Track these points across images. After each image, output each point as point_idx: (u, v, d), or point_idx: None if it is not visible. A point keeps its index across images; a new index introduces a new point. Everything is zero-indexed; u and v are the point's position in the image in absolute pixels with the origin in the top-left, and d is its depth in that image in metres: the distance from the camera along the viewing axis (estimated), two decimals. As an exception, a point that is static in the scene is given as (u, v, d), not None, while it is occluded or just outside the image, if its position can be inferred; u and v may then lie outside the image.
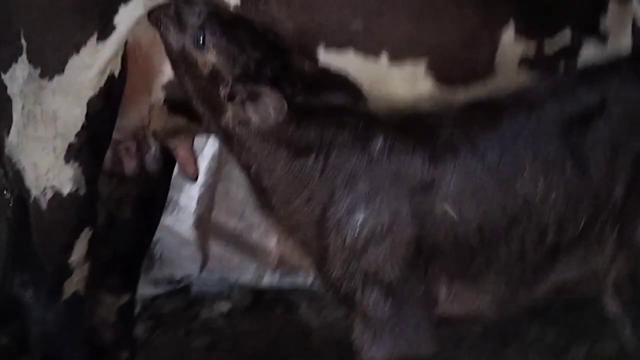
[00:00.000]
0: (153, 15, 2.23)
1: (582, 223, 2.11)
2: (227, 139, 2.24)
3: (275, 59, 2.18)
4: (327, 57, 2.27)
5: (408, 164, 2.15)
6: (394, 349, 2.13)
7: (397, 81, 2.31)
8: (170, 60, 2.27)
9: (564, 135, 2.10)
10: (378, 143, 2.16)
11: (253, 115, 2.12)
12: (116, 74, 2.30)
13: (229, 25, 2.19)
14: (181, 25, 2.18)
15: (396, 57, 2.25)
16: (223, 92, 2.15)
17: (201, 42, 2.15)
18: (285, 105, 2.12)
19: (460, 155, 2.13)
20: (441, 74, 2.28)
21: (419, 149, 2.16)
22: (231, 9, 2.20)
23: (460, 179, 2.12)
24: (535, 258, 2.13)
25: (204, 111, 2.24)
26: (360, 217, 2.13)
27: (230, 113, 2.16)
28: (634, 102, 2.10)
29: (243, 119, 2.14)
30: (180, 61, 2.21)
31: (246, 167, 2.26)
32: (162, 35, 2.23)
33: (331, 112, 2.22)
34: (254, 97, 2.11)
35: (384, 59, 2.26)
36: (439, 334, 2.20)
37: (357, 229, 2.13)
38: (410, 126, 2.21)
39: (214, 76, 2.16)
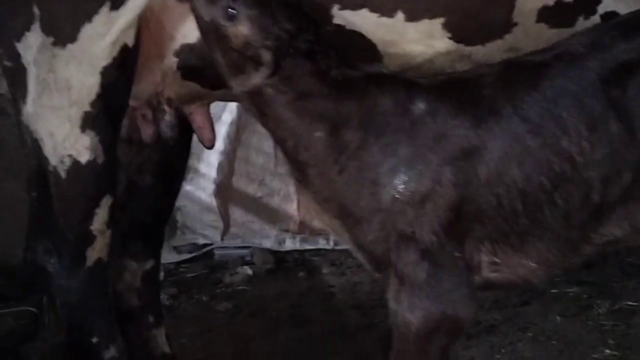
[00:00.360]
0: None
1: (627, 180, 2.07)
2: (261, 114, 2.22)
3: (308, 31, 2.15)
4: (341, 17, 2.24)
5: (450, 127, 2.12)
6: (430, 311, 2.11)
7: (413, 40, 2.28)
8: (201, 33, 2.25)
9: (606, 91, 2.06)
10: (419, 107, 2.14)
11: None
12: (130, 45, 2.29)
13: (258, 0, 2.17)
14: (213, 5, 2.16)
15: (412, 16, 2.21)
16: (254, 65, 2.12)
17: (233, 14, 2.13)
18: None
19: (503, 117, 2.10)
20: (458, 32, 2.24)
21: (461, 113, 2.13)
22: None
23: (503, 141, 2.09)
24: (580, 218, 2.10)
25: (237, 85, 2.21)
26: (400, 180, 2.11)
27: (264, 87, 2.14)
28: None
29: (277, 90, 2.13)
30: (212, 33, 2.18)
31: (281, 142, 2.24)
32: (193, 7, 2.21)
33: (368, 81, 2.20)
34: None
35: (399, 18, 2.22)
36: (478, 298, 2.18)
37: (396, 191, 2.11)
38: (451, 89, 2.18)
39: (246, 48, 2.13)
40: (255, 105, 2.21)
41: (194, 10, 2.21)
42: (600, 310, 3.77)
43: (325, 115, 2.16)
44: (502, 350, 3.50)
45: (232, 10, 2.12)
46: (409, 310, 2.13)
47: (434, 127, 2.13)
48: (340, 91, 2.17)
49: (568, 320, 3.71)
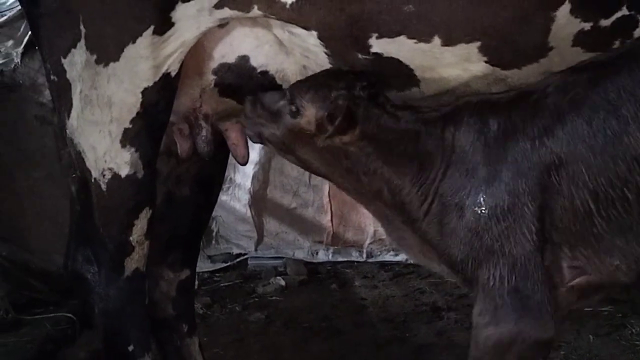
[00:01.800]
0: (249, 132, 2.43)
1: None
2: (352, 175, 2.33)
3: (360, 81, 2.27)
4: (379, 46, 2.28)
5: (520, 141, 2.18)
6: (515, 325, 2.13)
7: (450, 65, 2.30)
8: (279, 150, 2.41)
9: None
10: (491, 129, 2.22)
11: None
12: (173, 74, 2.37)
13: (307, 81, 2.32)
14: (274, 114, 2.33)
15: (449, 41, 2.24)
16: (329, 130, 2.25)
17: (295, 110, 2.28)
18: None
19: (567, 123, 2.15)
20: (494, 55, 2.26)
21: (528, 125, 2.19)
22: (287, 7, 2.25)
23: (570, 146, 2.14)
24: None
25: (328, 168, 2.36)
26: (481, 200, 2.19)
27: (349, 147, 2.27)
28: None
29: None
30: (292, 139, 2.33)
31: (377, 193, 2.35)
32: (264, 139, 2.40)
33: (440, 114, 2.30)
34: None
35: (436, 43, 2.26)
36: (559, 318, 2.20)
37: (479, 211, 2.19)
38: (517, 104, 2.24)
39: (321, 125, 2.27)
40: (351, 170, 2.32)
41: (266, 141, 2.41)
42: (634, 330, 3.73)
43: (410, 157, 2.29)
44: (534, 369, 3.47)
45: (292, 107, 2.28)
46: (492, 325, 2.16)
47: (506, 143, 2.20)
48: (418, 132, 2.28)
49: (601, 339, 3.69)
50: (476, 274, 2.20)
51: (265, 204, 5.31)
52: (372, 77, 2.32)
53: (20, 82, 4.58)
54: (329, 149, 2.30)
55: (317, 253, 5.30)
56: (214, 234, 5.27)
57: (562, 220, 2.15)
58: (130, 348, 2.57)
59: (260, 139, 2.43)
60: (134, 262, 2.52)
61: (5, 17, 4.64)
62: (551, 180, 2.15)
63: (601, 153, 2.12)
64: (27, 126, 4.63)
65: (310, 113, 2.27)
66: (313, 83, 2.30)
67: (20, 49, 4.51)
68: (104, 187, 2.42)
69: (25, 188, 4.65)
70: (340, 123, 2.22)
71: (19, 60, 4.52)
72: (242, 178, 5.23)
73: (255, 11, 2.29)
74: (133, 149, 2.39)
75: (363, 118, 2.26)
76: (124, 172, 2.40)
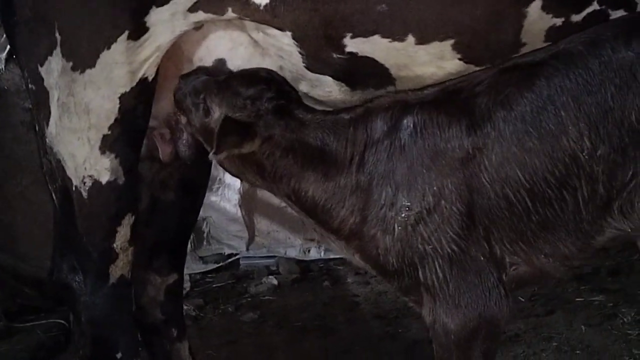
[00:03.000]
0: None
1: (630, 175, 2.09)
2: (263, 180, 2.33)
3: (268, 90, 2.26)
4: (354, 45, 2.27)
5: (445, 140, 2.15)
6: (467, 316, 2.15)
7: (424, 63, 2.29)
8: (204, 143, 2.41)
9: (605, 88, 2.08)
10: (406, 130, 2.18)
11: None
12: (150, 79, 2.36)
13: (220, 82, 2.31)
14: (193, 105, 2.34)
15: (422, 39, 2.23)
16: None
17: (206, 109, 2.30)
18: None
19: (498, 122, 2.12)
20: (468, 53, 2.25)
21: (454, 124, 2.15)
22: (261, 8, 2.24)
23: (501, 145, 2.12)
24: (589, 211, 2.13)
25: (239, 169, 2.36)
26: (404, 205, 2.16)
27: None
28: None
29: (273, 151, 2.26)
30: (204, 135, 2.35)
31: (289, 198, 2.34)
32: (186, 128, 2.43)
33: (353, 117, 2.26)
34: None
35: (410, 42, 2.25)
36: (511, 297, 2.20)
37: (403, 218, 2.16)
38: (443, 102, 2.20)
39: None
40: (255, 172, 2.32)
41: (188, 129, 2.42)
42: (625, 319, 3.73)
43: (314, 163, 2.25)
44: (527, 361, 3.49)
45: (205, 105, 2.29)
46: (447, 320, 2.17)
47: (426, 143, 2.16)
48: (325, 135, 2.25)
49: (593, 329, 3.68)
50: (415, 280, 2.19)
51: (255, 203, 5.29)
52: (284, 85, 2.33)
53: (5, 87, 4.56)
54: (239, 157, 2.29)
55: (309, 251, 5.29)
56: (205, 234, 5.25)
57: (499, 216, 2.13)
58: (119, 355, 2.57)
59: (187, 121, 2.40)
60: (118, 269, 2.51)
61: (-13, 24, 4.61)
62: (481, 180, 2.12)
63: (537, 153, 2.09)
64: (14, 132, 4.61)
65: (217, 116, 2.28)
66: (224, 85, 2.29)
67: (4, 55, 4.47)
68: (85, 194, 2.41)
69: (14, 195, 4.63)
70: (230, 140, 2.21)
71: (2, 65, 4.49)
72: (231, 178, 5.19)
73: (230, 13, 2.28)
74: (113, 155, 2.37)
75: (265, 129, 2.23)
76: (104, 178, 2.39)
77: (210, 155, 2.22)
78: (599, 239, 2.19)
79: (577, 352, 3.50)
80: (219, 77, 2.34)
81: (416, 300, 2.27)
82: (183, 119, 2.42)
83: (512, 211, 2.13)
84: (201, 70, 2.40)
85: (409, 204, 2.15)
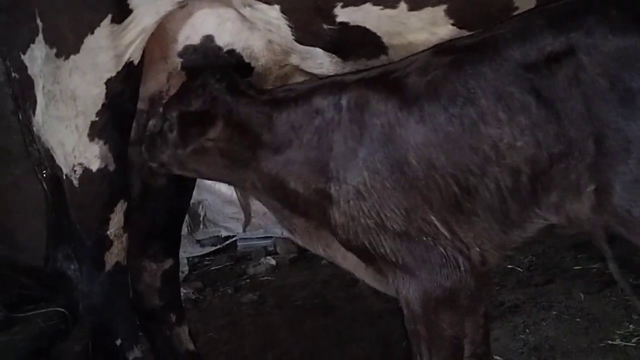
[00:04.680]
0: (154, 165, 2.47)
1: (554, 169, 2.05)
2: (232, 171, 2.36)
3: (213, 74, 2.31)
4: (345, 15, 2.24)
5: (374, 117, 2.16)
6: (422, 287, 2.16)
7: (417, 30, 2.26)
8: (182, 170, 2.45)
9: (528, 80, 2.03)
10: (344, 107, 2.20)
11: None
12: (135, 62, 2.33)
13: (174, 95, 2.39)
14: (162, 138, 2.38)
15: (415, 5, 2.20)
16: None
17: (170, 125, 2.34)
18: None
19: (424, 105, 2.11)
20: (460, 18, 2.22)
21: (382, 101, 2.16)
22: None
23: (426, 128, 2.11)
24: (516, 200, 2.10)
25: (212, 169, 2.39)
26: (345, 180, 2.17)
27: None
28: (605, 52, 1.99)
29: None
30: (175, 158, 2.39)
31: (253, 185, 2.36)
32: (166, 165, 2.45)
33: (297, 96, 2.28)
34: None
35: (402, 8, 2.22)
36: (471, 270, 2.18)
37: (345, 192, 2.17)
38: (376, 81, 2.21)
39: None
40: (223, 165, 2.35)
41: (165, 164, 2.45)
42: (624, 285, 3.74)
43: (266, 138, 2.27)
44: (527, 330, 3.49)
45: (169, 123, 2.33)
46: (404, 292, 2.18)
47: (359, 120, 2.17)
48: (273, 111, 2.27)
49: (592, 297, 3.69)
50: (365, 252, 2.20)
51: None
52: (227, 71, 2.35)
53: (-6, 78, 4.51)
54: (207, 151, 2.31)
55: (306, 230, 5.27)
56: (201, 218, 5.24)
57: (433, 196, 2.13)
58: (118, 342, 2.57)
59: (164, 168, 2.45)
60: (113, 256, 2.50)
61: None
62: (408, 159, 2.12)
63: (458, 140, 2.08)
64: (5, 122, 4.54)
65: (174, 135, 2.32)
66: (177, 95, 2.35)
67: (-9, 45, 4.42)
68: (76, 183, 2.38)
69: (8, 185, 4.59)
70: (194, 131, 2.27)
71: (-10, 56, 4.44)
72: (225, 160, 5.18)
73: None
74: (102, 142, 2.35)
75: (223, 108, 2.27)
76: (94, 166, 2.36)
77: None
78: (528, 229, 2.16)
79: (577, 319, 3.51)
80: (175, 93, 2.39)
81: (379, 271, 2.27)
82: (161, 171, 2.48)
83: (442, 194, 2.12)
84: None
85: (348, 178, 2.17)
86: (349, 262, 2.36)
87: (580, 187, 2.04)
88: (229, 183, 2.54)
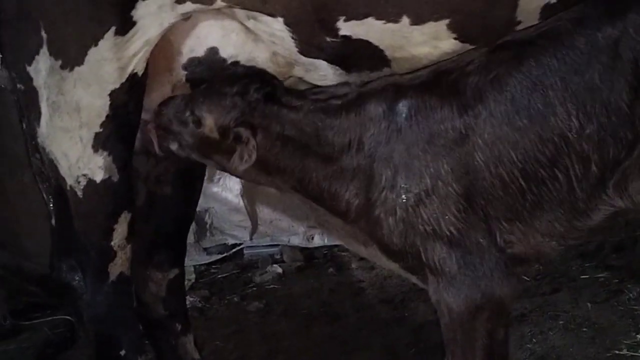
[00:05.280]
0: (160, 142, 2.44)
1: (623, 151, 2.09)
2: (272, 179, 2.35)
3: (252, 82, 2.29)
4: (347, 28, 2.24)
5: (438, 122, 2.15)
6: (469, 296, 2.17)
7: (420, 43, 2.26)
8: (199, 158, 2.43)
9: (592, 67, 2.07)
10: (402, 113, 2.19)
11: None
12: (140, 74, 2.33)
13: (203, 90, 2.34)
14: (183, 124, 2.35)
15: (417, 19, 2.20)
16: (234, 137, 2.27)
17: (197, 120, 2.31)
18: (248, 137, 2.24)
19: (489, 101, 2.12)
20: (463, 32, 2.22)
21: (446, 105, 2.15)
22: None
23: (493, 124, 2.12)
24: (584, 189, 2.13)
25: (244, 170, 2.35)
26: (403, 188, 2.17)
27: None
28: None
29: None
30: (203, 147, 2.36)
31: (294, 188, 2.35)
32: (183, 149, 2.41)
33: (348, 102, 2.27)
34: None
35: (405, 23, 2.21)
36: (515, 275, 2.21)
37: (403, 200, 2.17)
38: (435, 83, 2.20)
39: (225, 132, 2.29)
40: (264, 171, 2.33)
41: (178, 151, 2.42)
42: (631, 295, 3.71)
43: (314, 151, 2.26)
44: (534, 340, 3.48)
45: (194, 117, 2.31)
46: (450, 300, 2.19)
47: (420, 125, 2.17)
48: (319, 120, 2.25)
49: (599, 306, 3.68)
50: (418, 260, 2.21)
51: (257, 192, 5.27)
52: (266, 74, 2.34)
53: (2, 86, 4.52)
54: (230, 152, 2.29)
55: (312, 238, 5.27)
56: (207, 226, 5.24)
57: (495, 196, 2.14)
58: (122, 352, 2.56)
59: (169, 148, 2.43)
60: (117, 267, 2.50)
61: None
62: (475, 160, 2.13)
63: (527, 133, 2.10)
64: (12, 130, 4.56)
65: (210, 122, 2.29)
66: (208, 92, 2.32)
67: None
68: (80, 194, 2.39)
69: (16, 192, 4.62)
70: (240, 136, 2.25)
71: (-1, 64, 4.46)
72: (232, 168, 5.18)
73: (219, 2, 2.25)
74: (106, 153, 2.35)
75: (261, 120, 2.26)
76: (98, 177, 2.37)
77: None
78: (594, 217, 2.19)
79: (584, 329, 3.49)
80: (200, 87, 2.35)
81: (423, 280, 2.29)
82: (173, 146, 2.43)
83: (507, 191, 2.14)
84: (175, 96, 2.42)
85: (407, 186, 2.17)
86: (392, 264, 2.36)
87: None
88: (259, 184, 2.53)
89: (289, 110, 2.28)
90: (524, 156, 2.11)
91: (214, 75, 2.38)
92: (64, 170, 2.39)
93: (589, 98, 2.07)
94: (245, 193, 5.23)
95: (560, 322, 3.58)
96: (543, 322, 3.62)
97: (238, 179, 5.22)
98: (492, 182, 2.13)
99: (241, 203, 5.22)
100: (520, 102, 2.10)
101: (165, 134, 2.41)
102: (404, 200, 2.17)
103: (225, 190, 5.24)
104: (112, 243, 2.45)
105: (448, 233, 2.15)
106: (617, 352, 3.26)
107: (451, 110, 2.15)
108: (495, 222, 2.17)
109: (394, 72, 2.34)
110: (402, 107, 2.19)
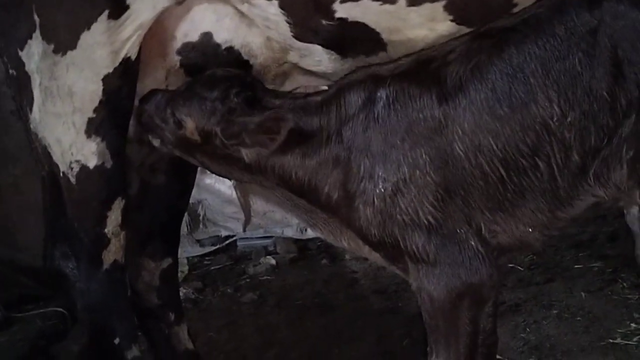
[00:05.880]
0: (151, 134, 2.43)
1: (604, 139, 2.08)
2: (256, 177, 2.36)
3: (231, 86, 2.27)
4: (343, 10, 2.23)
5: (417, 111, 2.15)
6: (450, 284, 2.16)
7: (416, 26, 2.26)
8: (182, 155, 2.44)
9: (572, 54, 2.07)
10: (380, 102, 2.18)
11: (262, 143, 2.23)
12: (133, 57, 2.31)
13: (183, 92, 2.33)
14: (165, 121, 2.35)
15: (414, 0, 2.19)
16: (220, 142, 2.27)
17: (177, 122, 2.31)
18: (284, 114, 2.21)
19: (469, 90, 2.11)
20: (459, 14, 2.21)
21: (425, 94, 2.15)
22: None
23: (473, 113, 2.11)
24: (565, 178, 2.13)
25: (228, 170, 2.38)
26: (381, 177, 2.16)
27: (245, 153, 2.26)
28: (631, 22, 2.05)
29: (258, 150, 2.26)
30: (184, 147, 2.37)
31: (277, 185, 2.35)
32: (165, 145, 2.42)
33: (327, 96, 2.27)
34: (249, 129, 2.22)
35: (401, 4, 2.21)
36: (496, 264, 2.20)
37: (381, 190, 2.17)
38: (415, 72, 2.20)
39: (205, 136, 2.29)
40: (246, 170, 2.34)
41: (161, 146, 2.43)
42: (625, 284, 3.73)
43: (296, 146, 2.25)
44: (527, 329, 3.48)
45: (175, 119, 2.30)
46: (430, 288, 2.18)
47: (399, 114, 2.16)
48: (297, 117, 2.25)
49: (593, 295, 3.69)
50: (397, 250, 2.21)
51: (250, 184, 5.26)
52: (246, 77, 2.34)
53: (-8, 77, 4.50)
54: (222, 154, 2.30)
55: (305, 230, 5.25)
56: (200, 217, 5.23)
57: (475, 186, 2.14)
58: (116, 341, 2.55)
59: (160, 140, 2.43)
60: (111, 254, 2.48)
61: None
62: (455, 149, 2.12)
63: (508, 122, 2.09)
64: (4, 122, 4.56)
65: (191, 126, 2.30)
66: (188, 95, 2.32)
67: (-11, 44, 4.41)
68: (73, 180, 2.37)
69: (7, 185, 4.60)
70: (230, 140, 2.25)
71: (-11, 55, 4.43)
72: (225, 159, 5.17)
73: None
74: (99, 139, 2.33)
75: (239, 125, 2.25)
76: (91, 163, 2.35)
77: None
78: (577, 206, 2.18)
79: (578, 318, 3.50)
80: (179, 88, 2.36)
81: (403, 269, 2.29)
82: (156, 142, 2.43)
83: (487, 181, 2.13)
84: (156, 90, 2.41)
85: (385, 175, 2.16)
86: (375, 254, 2.36)
87: (622, 154, 2.07)
88: (241, 182, 2.53)
89: (262, 110, 2.27)
90: (505, 145, 2.10)
91: (193, 78, 2.39)
92: (56, 156, 2.37)
93: (570, 85, 2.06)
94: (238, 185, 5.22)
95: (554, 312, 3.59)
96: (537, 311, 3.62)
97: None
98: (472, 172, 2.13)
99: (234, 195, 5.21)
100: (502, 90, 2.09)
101: (147, 129, 2.41)
102: (382, 190, 2.16)
103: (218, 182, 5.22)
104: (106, 230, 2.44)
105: (426, 222, 2.15)
106: (611, 340, 3.27)
107: (430, 99, 2.14)
108: (478, 212, 2.16)
109: (373, 63, 2.32)
110: (381, 96, 2.18)
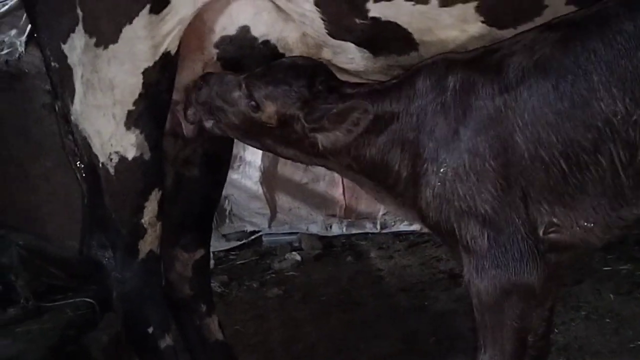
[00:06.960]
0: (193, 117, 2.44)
1: None
2: (325, 160, 2.36)
3: (316, 74, 2.28)
4: (377, 10, 2.25)
5: (478, 99, 2.15)
6: (497, 278, 2.14)
7: (447, 26, 2.27)
8: (240, 138, 2.45)
9: (639, 52, 2.02)
10: (449, 88, 2.19)
11: (341, 130, 2.24)
12: (172, 52, 2.35)
13: (264, 76, 2.32)
14: (230, 103, 2.35)
15: (446, 1, 2.21)
16: (300, 127, 2.27)
17: (255, 105, 2.30)
18: (366, 105, 2.21)
19: (532, 83, 2.10)
20: (490, 15, 2.22)
21: (488, 82, 2.14)
22: None
23: (534, 106, 2.09)
24: (630, 177, 2.08)
25: (296, 154, 2.38)
26: (443, 161, 2.17)
27: (321, 139, 2.27)
28: None
29: (334, 138, 2.26)
30: (251, 129, 2.36)
31: (348, 169, 2.36)
32: (220, 126, 2.41)
33: (394, 84, 2.28)
34: (330, 116, 2.23)
35: (434, 4, 2.22)
36: (546, 263, 2.15)
37: (442, 174, 2.17)
38: (479, 62, 2.20)
39: (284, 120, 2.29)
40: (319, 156, 2.34)
41: (224, 128, 2.41)
42: (654, 286, 3.72)
43: (370, 129, 2.25)
44: (556, 330, 3.45)
45: (251, 102, 2.29)
46: (478, 282, 2.17)
47: (464, 101, 2.16)
48: (374, 103, 2.25)
49: (621, 297, 3.67)
50: (452, 237, 2.20)
51: (276, 180, 5.29)
52: (325, 66, 2.35)
53: (26, 70, 4.57)
54: (295, 138, 2.31)
55: (330, 226, 5.29)
56: (227, 212, 5.27)
57: (536, 177, 2.11)
58: (150, 330, 2.59)
59: (202, 125, 2.44)
60: (147, 244, 2.52)
61: (6, 7, 4.62)
62: (514, 139, 2.11)
63: (569, 118, 2.07)
64: (35, 115, 4.63)
65: (271, 110, 2.29)
66: (271, 78, 2.31)
67: (24, 38, 4.48)
68: (112, 171, 2.41)
69: (38, 177, 4.66)
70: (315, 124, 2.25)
71: (23, 49, 4.50)
72: (251, 155, 5.21)
73: None
74: (138, 131, 2.37)
75: (320, 111, 2.25)
76: (130, 154, 2.39)
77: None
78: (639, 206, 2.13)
79: (607, 320, 3.49)
80: (258, 72, 2.35)
81: (458, 257, 2.26)
82: (208, 123, 2.43)
83: (548, 173, 2.11)
84: (219, 74, 2.42)
85: (447, 160, 2.17)
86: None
87: None
88: (305, 164, 2.53)
89: (349, 98, 2.28)
90: (566, 139, 2.07)
91: (269, 64, 2.38)
92: (96, 147, 2.41)
93: (636, 83, 2.03)
94: (264, 181, 5.26)
95: (583, 313, 3.58)
96: (565, 312, 3.60)
97: (257, 167, 5.27)
98: (533, 163, 2.10)
99: (260, 190, 5.25)
100: (563, 85, 2.07)
101: (201, 109, 2.42)
102: (442, 175, 2.17)
103: (244, 177, 5.26)
104: (143, 220, 2.47)
105: (483, 211, 2.14)
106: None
107: (492, 88, 2.13)
108: (537, 204, 2.14)
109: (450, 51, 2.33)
110: (449, 81, 2.19)
